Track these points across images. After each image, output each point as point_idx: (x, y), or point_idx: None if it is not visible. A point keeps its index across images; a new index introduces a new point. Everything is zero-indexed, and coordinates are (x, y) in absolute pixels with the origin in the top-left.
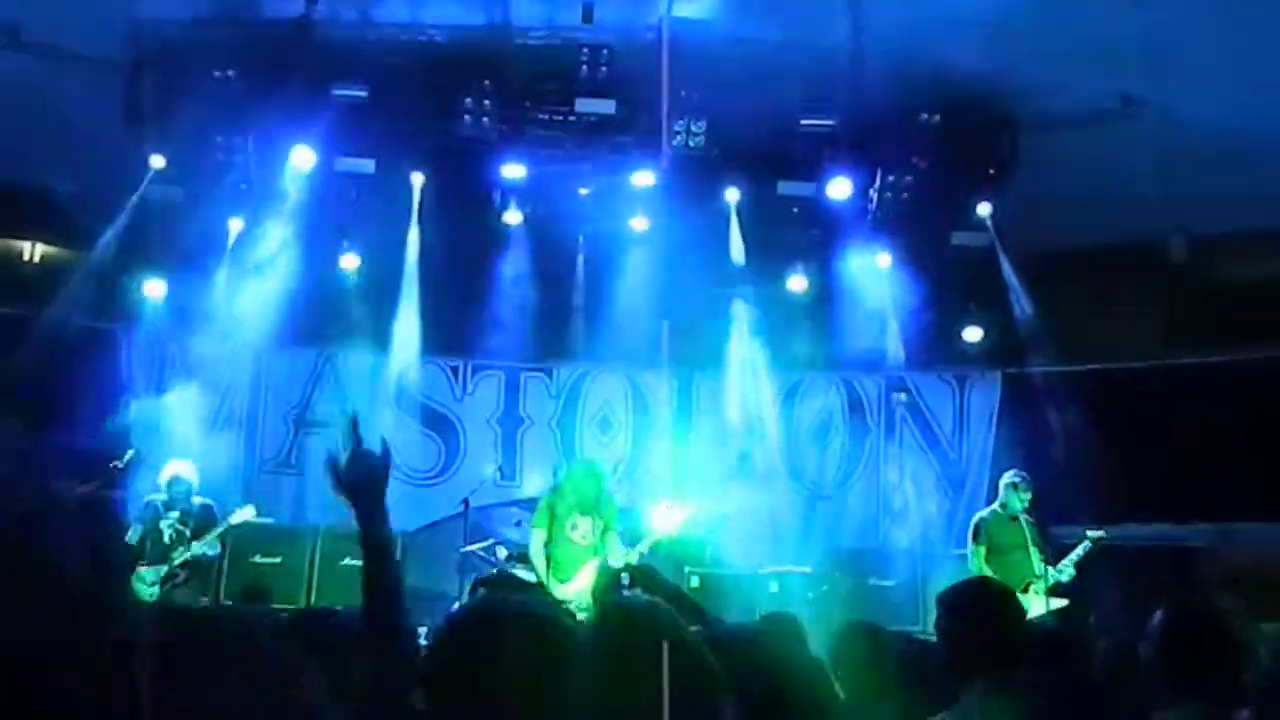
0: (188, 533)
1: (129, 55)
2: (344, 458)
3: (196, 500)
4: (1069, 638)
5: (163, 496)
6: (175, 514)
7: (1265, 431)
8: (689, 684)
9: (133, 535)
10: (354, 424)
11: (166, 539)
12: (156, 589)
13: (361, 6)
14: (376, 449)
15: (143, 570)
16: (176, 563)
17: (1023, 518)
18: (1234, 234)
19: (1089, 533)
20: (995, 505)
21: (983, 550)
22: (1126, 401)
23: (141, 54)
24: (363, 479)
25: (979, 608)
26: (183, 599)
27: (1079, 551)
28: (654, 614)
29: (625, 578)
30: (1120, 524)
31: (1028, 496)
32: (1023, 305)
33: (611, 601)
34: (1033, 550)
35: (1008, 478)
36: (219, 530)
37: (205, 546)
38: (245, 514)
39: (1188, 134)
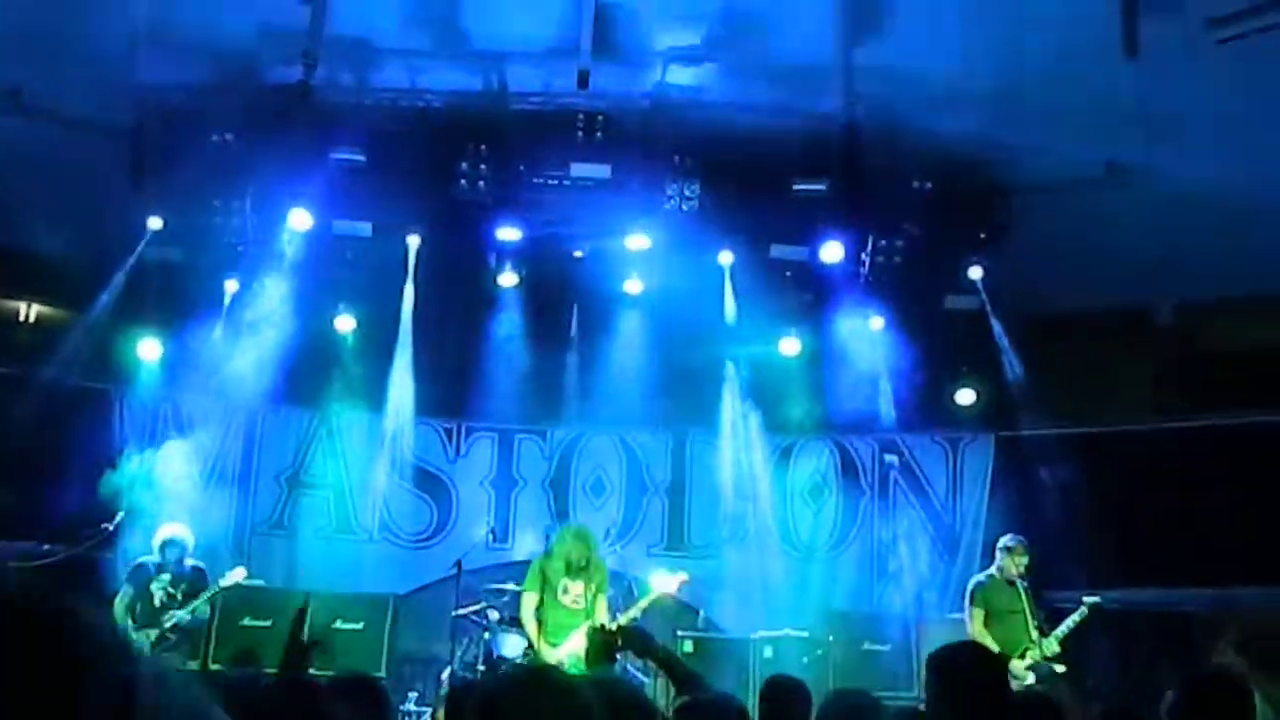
0: (179, 596)
1: (129, 118)
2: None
3: (189, 563)
4: (1057, 703)
5: (155, 558)
6: (167, 576)
7: (1255, 496)
8: None
9: (123, 597)
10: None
11: (157, 602)
12: (146, 653)
13: (359, 72)
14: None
15: (133, 634)
16: (166, 626)
17: (1019, 582)
18: (1221, 299)
19: (1086, 599)
20: (992, 569)
21: (980, 615)
22: (1119, 465)
23: (141, 117)
24: None
25: (965, 670)
26: (173, 663)
27: (1074, 619)
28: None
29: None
30: (1114, 588)
31: (1025, 561)
32: (1014, 368)
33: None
34: (1029, 615)
35: (1005, 541)
36: (209, 594)
37: (194, 612)
38: (236, 576)
39: (1175, 200)
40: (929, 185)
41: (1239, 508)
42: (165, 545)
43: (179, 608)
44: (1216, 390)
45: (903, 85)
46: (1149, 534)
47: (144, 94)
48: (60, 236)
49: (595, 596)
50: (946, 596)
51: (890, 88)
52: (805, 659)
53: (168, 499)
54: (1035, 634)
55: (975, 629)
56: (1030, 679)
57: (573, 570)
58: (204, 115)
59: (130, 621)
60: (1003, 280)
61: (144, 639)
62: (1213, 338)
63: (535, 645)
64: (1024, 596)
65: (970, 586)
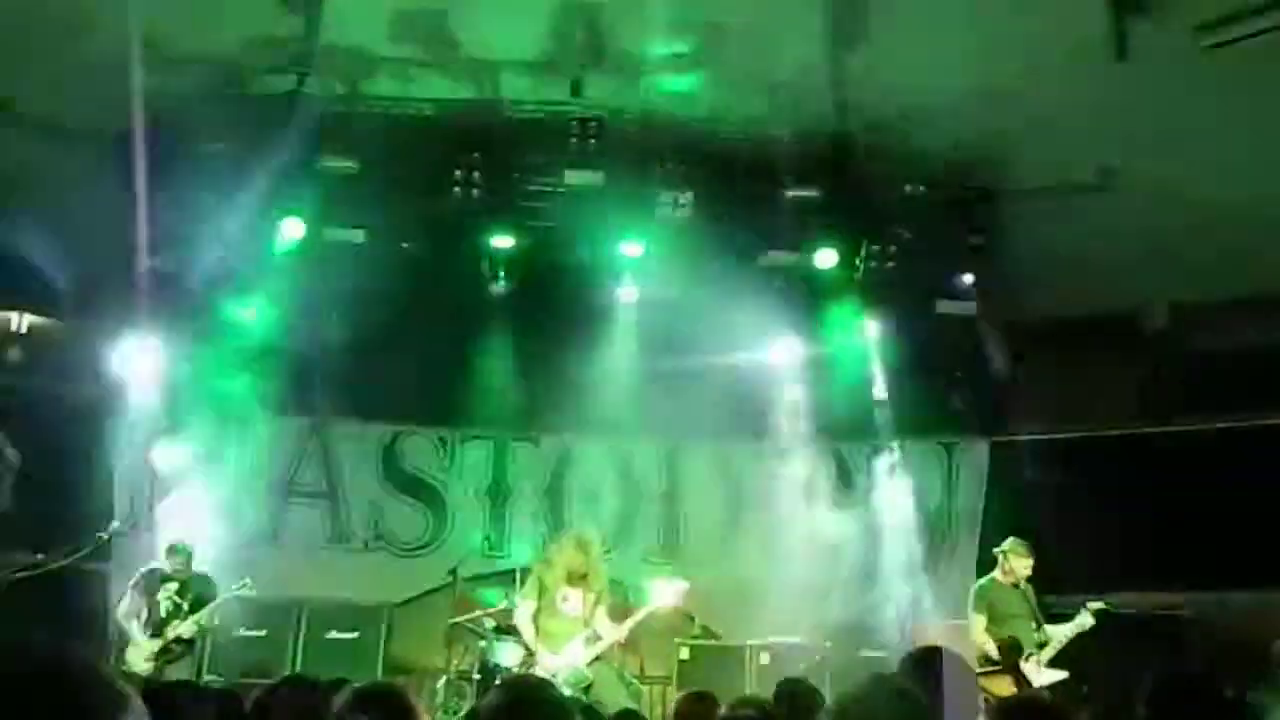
0: (185, 605)
1: (120, 127)
2: None
3: (195, 572)
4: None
5: (161, 567)
6: (174, 585)
7: (1248, 499)
8: None
9: (129, 604)
10: None
11: (163, 611)
12: (151, 664)
13: (351, 80)
14: None
15: (140, 642)
16: (171, 637)
17: (1022, 586)
18: (1212, 303)
19: (1090, 604)
20: (995, 573)
21: (983, 619)
22: (1112, 469)
23: (132, 126)
24: None
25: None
26: (178, 673)
27: (1079, 623)
28: None
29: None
30: (1108, 592)
31: (1028, 565)
32: (1008, 373)
33: None
34: (1032, 619)
35: (1007, 545)
36: (217, 604)
37: (200, 623)
38: (244, 588)
39: (1166, 204)
40: (921, 189)
41: (1232, 510)
42: (170, 552)
43: (184, 618)
44: (1208, 393)
45: (893, 92)
46: (1143, 538)
47: (135, 103)
48: (51, 246)
49: (595, 605)
50: (942, 601)
51: (880, 95)
52: (802, 665)
53: (160, 510)
54: (1037, 638)
55: (978, 633)
56: (1035, 683)
57: (573, 578)
58: (195, 124)
59: (136, 628)
60: (995, 285)
61: (149, 649)
62: (1204, 341)
63: (534, 651)
64: (1027, 600)
65: (973, 591)
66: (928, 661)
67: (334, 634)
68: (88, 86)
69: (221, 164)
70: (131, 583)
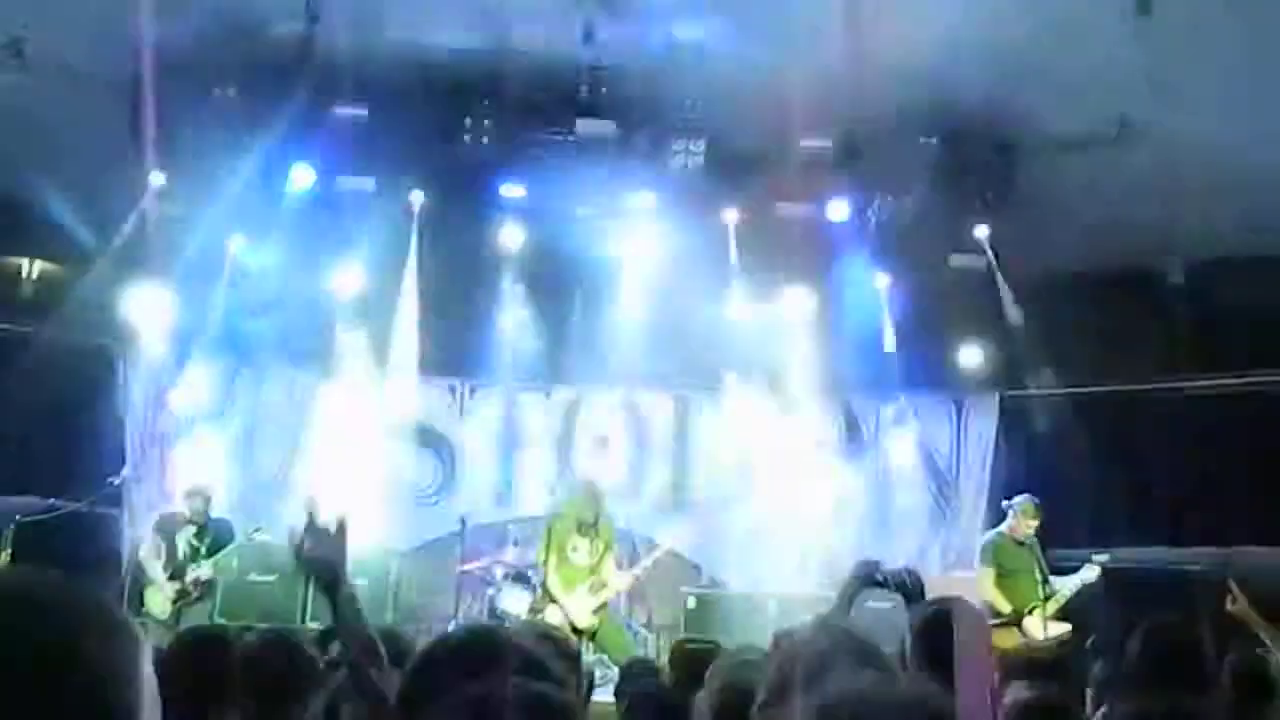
0: (202, 549)
1: (130, 73)
2: (304, 535)
3: (214, 516)
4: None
5: (181, 511)
6: (192, 529)
7: (1262, 456)
8: None
9: (150, 547)
10: (311, 513)
11: (181, 554)
12: (169, 606)
13: (362, 26)
14: (333, 527)
15: (160, 583)
16: (189, 579)
17: (1030, 542)
18: (1231, 259)
19: (1094, 558)
20: (1003, 528)
21: (991, 573)
22: (1125, 425)
23: (142, 71)
24: (320, 556)
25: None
26: (196, 617)
27: (1082, 577)
28: None
29: None
30: (1117, 548)
31: (1036, 522)
32: (1020, 328)
33: None
34: (1039, 575)
35: (1017, 502)
36: (234, 547)
37: (217, 566)
38: (262, 534)
39: (1186, 159)
40: (935, 141)
41: (1246, 467)
42: (190, 497)
43: (201, 562)
44: (1225, 350)
45: (910, 43)
46: (1154, 494)
47: (145, 48)
48: (63, 192)
49: (603, 555)
50: (949, 555)
51: (897, 44)
52: (809, 616)
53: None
54: (1044, 593)
55: (986, 586)
56: (1040, 637)
57: (582, 528)
58: (206, 70)
59: (157, 571)
60: (1009, 239)
61: (169, 591)
62: (1222, 298)
63: (559, 603)
64: (1034, 556)
65: (982, 545)
66: (941, 614)
67: None
68: (99, 31)
69: (232, 111)
70: (152, 526)
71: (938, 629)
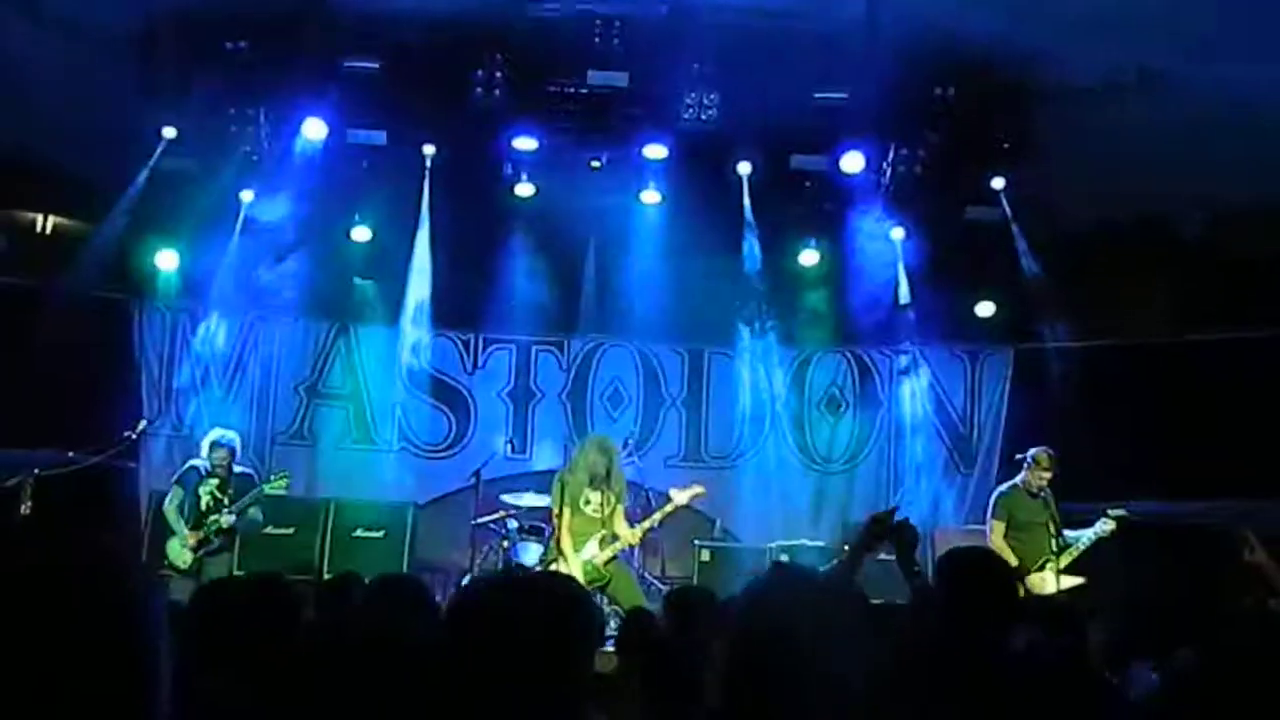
0: (225, 500)
1: (142, 27)
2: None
3: (236, 469)
4: (1076, 612)
5: (204, 462)
6: (215, 480)
7: (1275, 409)
8: None
9: (173, 498)
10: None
11: (204, 505)
12: (190, 555)
13: None
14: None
15: (183, 533)
16: (211, 530)
17: (1043, 494)
18: (1251, 209)
19: (1110, 512)
20: (1016, 480)
21: (1001, 526)
22: (1141, 377)
23: (154, 25)
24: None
25: (975, 573)
26: (217, 568)
27: (1098, 530)
28: None
29: None
30: (1132, 500)
31: (1049, 475)
32: (1036, 280)
33: None
34: (1051, 528)
35: (1031, 454)
36: (253, 498)
37: (241, 514)
38: (279, 485)
39: (1205, 107)
40: (951, 92)
41: (1262, 419)
42: (213, 449)
43: (224, 511)
44: (1242, 302)
45: None
46: (1170, 447)
47: (157, 2)
48: (76, 147)
49: (614, 507)
50: (962, 507)
51: None
52: (821, 568)
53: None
54: (1056, 546)
55: (995, 540)
56: (1050, 589)
57: (595, 481)
58: (217, 23)
59: (180, 522)
60: (1026, 190)
61: (192, 542)
62: (1240, 249)
63: (567, 558)
64: (1047, 509)
65: (994, 497)
66: (958, 564)
67: (360, 533)
68: None
69: (244, 63)
70: (174, 477)
71: (958, 571)
